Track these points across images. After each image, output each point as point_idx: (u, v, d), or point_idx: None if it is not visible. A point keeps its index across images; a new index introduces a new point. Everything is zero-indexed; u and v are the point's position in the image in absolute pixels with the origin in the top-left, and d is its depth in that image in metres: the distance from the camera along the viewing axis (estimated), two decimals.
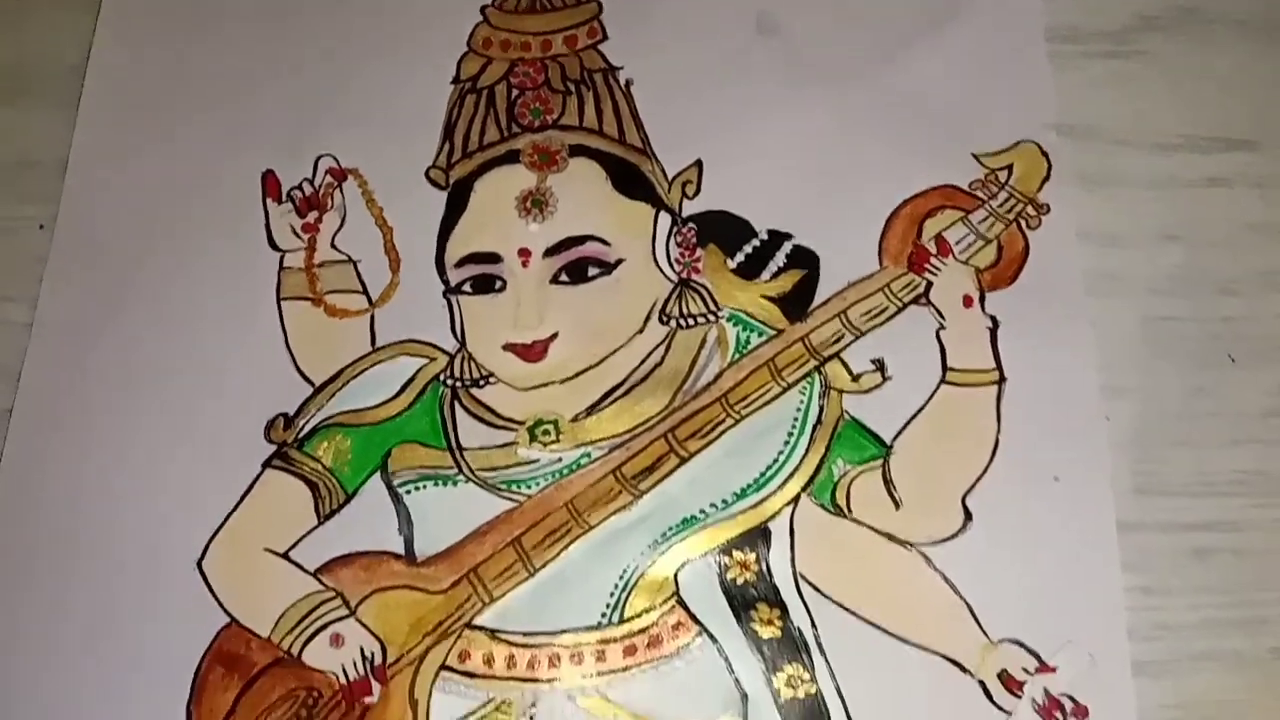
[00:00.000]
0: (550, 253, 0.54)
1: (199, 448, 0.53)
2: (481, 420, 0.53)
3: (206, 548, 0.51)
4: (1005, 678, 0.49)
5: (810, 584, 0.51)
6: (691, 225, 0.55)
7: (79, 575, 0.51)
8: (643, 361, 0.54)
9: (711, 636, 0.50)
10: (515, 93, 0.57)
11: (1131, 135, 0.58)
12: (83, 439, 0.53)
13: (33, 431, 0.53)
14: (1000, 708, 0.49)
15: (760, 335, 0.54)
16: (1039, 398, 0.53)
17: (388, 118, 0.58)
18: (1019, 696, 0.49)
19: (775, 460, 0.52)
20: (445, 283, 0.55)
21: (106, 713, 0.49)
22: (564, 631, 0.50)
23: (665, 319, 0.54)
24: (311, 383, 0.54)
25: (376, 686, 0.49)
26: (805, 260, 0.55)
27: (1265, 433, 0.54)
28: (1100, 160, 0.57)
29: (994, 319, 0.54)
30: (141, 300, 0.55)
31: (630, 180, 0.56)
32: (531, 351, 0.54)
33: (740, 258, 0.55)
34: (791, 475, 0.52)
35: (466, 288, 0.55)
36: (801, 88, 0.58)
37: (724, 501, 0.52)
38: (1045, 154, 0.56)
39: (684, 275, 0.55)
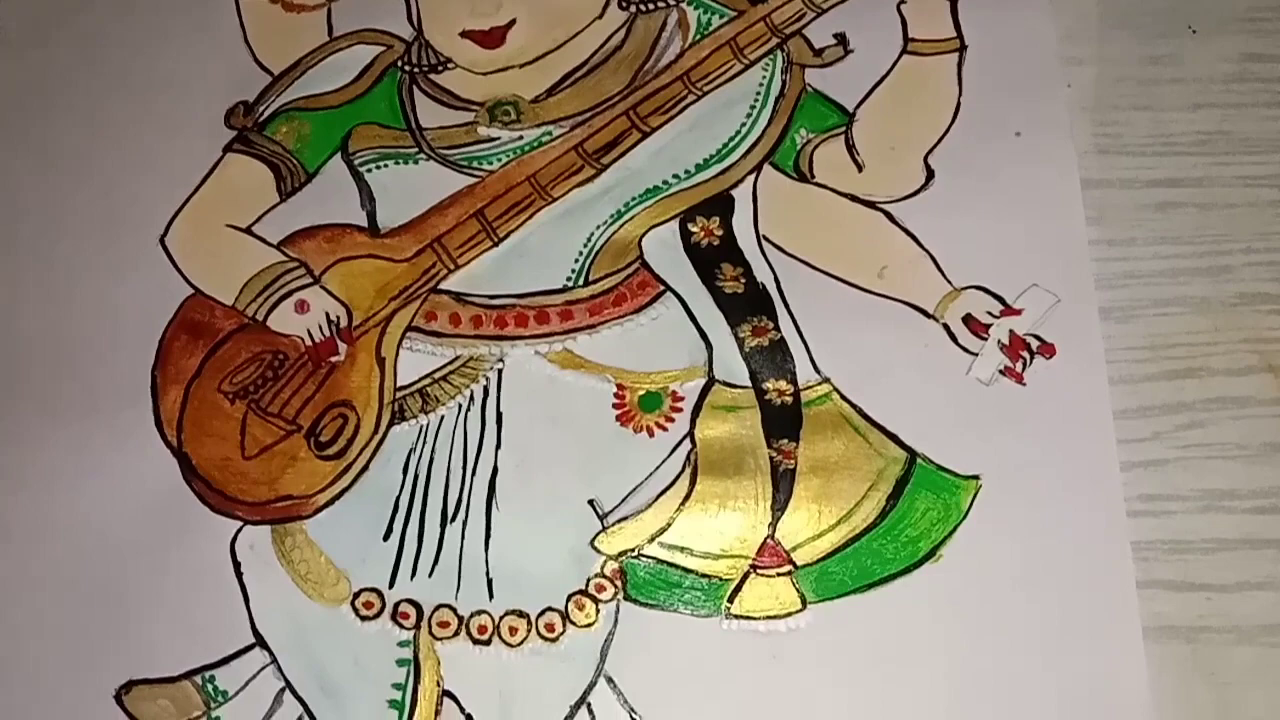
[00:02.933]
0: None
1: (161, 136, 0.53)
2: (440, 102, 0.53)
3: (169, 225, 0.51)
4: (970, 321, 0.49)
5: (773, 244, 0.51)
6: None
7: (43, 245, 0.51)
8: (603, 45, 0.54)
9: (676, 295, 0.50)
10: None
11: None
12: (50, 125, 0.53)
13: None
14: (965, 349, 0.49)
15: (721, 17, 0.54)
16: (999, 63, 0.53)
17: None
18: (984, 339, 0.49)
19: (738, 132, 0.52)
20: None
21: (74, 385, 0.49)
22: (530, 294, 0.50)
23: (625, 4, 0.54)
24: (270, 73, 0.54)
25: (343, 347, 0.49)
26: None
27: (1227, 97, 0.54)
28: None
29: None
30: (100, 4, 0.55)
31: None
32: (489, 38, 0.53)
33: None
34: (754, 145, 0.52)
35: None
36: None
37: (686, 172, 0.51)
38: None
39: None
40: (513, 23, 0.53)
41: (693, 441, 0.48)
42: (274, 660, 0.45)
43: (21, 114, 0.53)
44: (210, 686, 0.45)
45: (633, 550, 0.46)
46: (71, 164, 0.52)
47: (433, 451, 0.48)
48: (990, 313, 0.49)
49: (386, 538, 0.47)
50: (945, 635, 0.45)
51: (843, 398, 0.48)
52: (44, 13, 0.55)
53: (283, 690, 0.45)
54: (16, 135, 0.53)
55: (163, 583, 0.46)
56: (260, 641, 0.45)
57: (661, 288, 0.50)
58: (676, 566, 0.46)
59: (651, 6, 0.54)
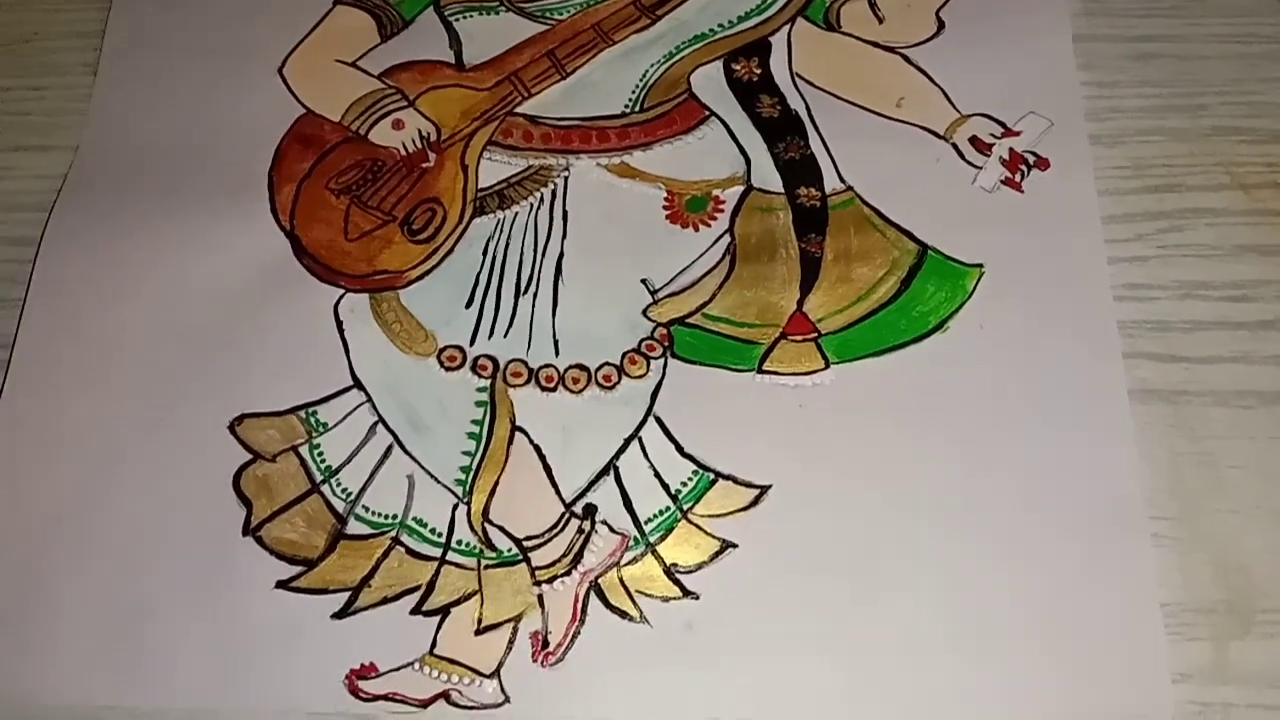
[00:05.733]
0: None
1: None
2: None
3: (286, 59, 0.60)
4: (975, 141, 0.56)
5: (805, 80, 0.58)
6: None
7: (178, 67, 0.60)
8: None
9: (720, 119, 0.58)
10: None
11: None
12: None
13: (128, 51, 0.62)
14: (971, 164, 0.56)
15: None
16: None
17: None
18: (988, 155, 0.56)
19: None
20: None
21: (203, 179, 0.57)
22: (593, 118, 0.58)
23: None
24: None
25: (432, 156, 0.57)
26: None
27: None
28: None
29: None
30: None
31: None
32: None
33: None
34: (789, 2, 0.60)
35: None
36: None
37: (730, 23, 0.60)
38: None
39: None
40: None
41: (733, 235, 0.55)
42: (369, 399, 0.52)
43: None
44: (312, 419, 0.52)
45: (679, 319, 0.53)
46: (206, 6, 0.62)
47: (508, 239, 0.55)
48: (993, 134, 0.56)
49: (468, 305, 0.54)
50: (951, 394, 0.51)
51: (864, 202, 0.55)
52: None
53: (376, 424, 0.52)
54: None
55: (274, 336, 0.53)
56: (358, 384, 0.52)
57: (707, 114, 0.58)
58: (717, 333, 0.53)
59: None
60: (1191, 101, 0.58)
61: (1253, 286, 0.54)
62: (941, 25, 0.59)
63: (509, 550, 0.49)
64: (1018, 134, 0.56)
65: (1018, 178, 0.55)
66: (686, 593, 0.48)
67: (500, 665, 0.48)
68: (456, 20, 0.61)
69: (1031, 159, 0.56)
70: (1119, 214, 0.55)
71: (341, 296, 0.54)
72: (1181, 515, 0.49)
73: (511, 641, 0.48)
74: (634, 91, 0.58)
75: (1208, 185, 0.56)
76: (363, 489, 0.51)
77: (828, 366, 0.52)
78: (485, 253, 0.55)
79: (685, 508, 0.50)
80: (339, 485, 0.51)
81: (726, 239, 0.55)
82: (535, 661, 0.48)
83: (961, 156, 0.56)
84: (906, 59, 0.58)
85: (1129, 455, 0.50)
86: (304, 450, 0.51)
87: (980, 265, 0.53)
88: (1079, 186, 0.55)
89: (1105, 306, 0.53)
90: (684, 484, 0.50)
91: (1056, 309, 0.53)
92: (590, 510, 0.50)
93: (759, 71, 0.58)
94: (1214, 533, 0.49)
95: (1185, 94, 0.58)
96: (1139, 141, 0.57)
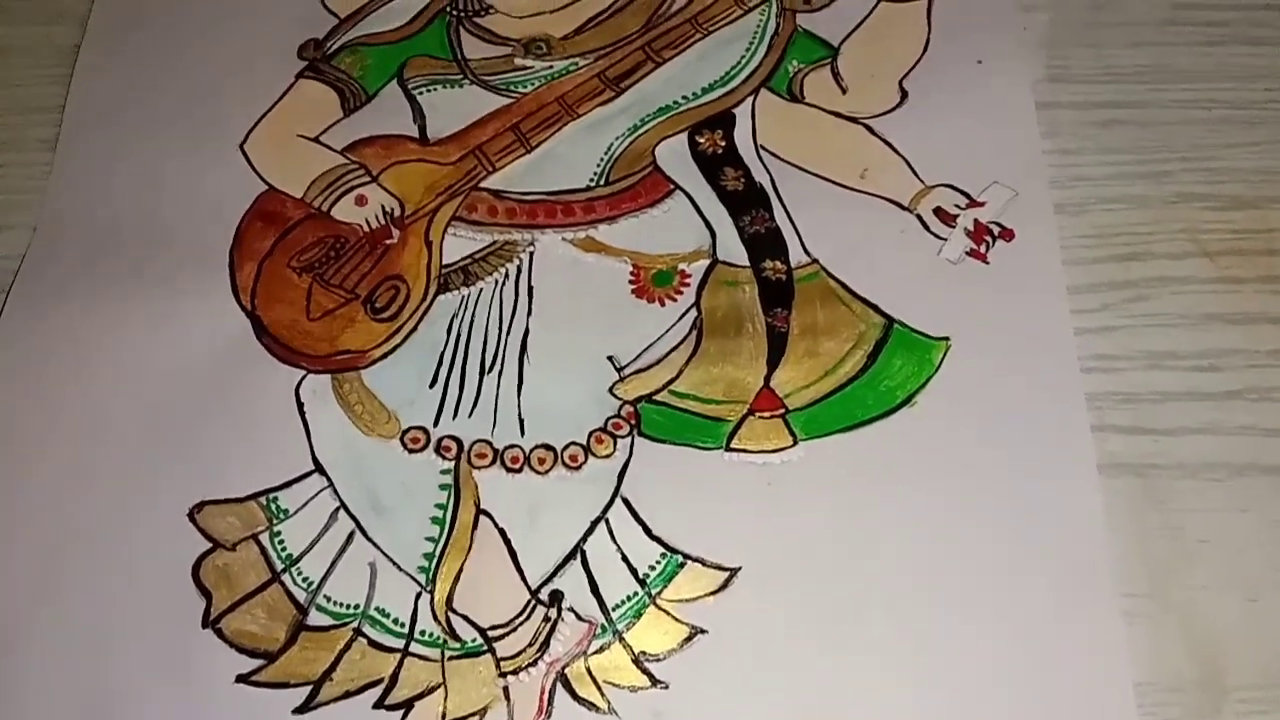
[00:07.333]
0: None
1: (243, 64, 0.61)
2: (483, 39, 0.62)
3: (248, 134, 0.59)
4: (939, 212, 0.56)
5: (769, 152, 0.58)
6: None
7: (141, 142, 0.59)
8: None
9: (685, 192, 0.57)
10: None
11: None
12: (151, 48, 0.63)
13: (104, 52, 0.63)
14: (936, 235, 0.56)
15: None
16: (963, 9, 0.61)
17: None
18: (952, 227, 0.56)
19: (738, 63, 0.60)
20: None
21: (162, 256, 0.56)
22: (558, 192, 0.58)
23: None
24: (337, 16, 0.63)
25: (396, 233, 0.57)
26: None
27: (1163, 38, 0.62)
28: None
29: None
30: None
31: None
32: None
33: None
34: (753, 73, 0.60)
35: None
36: None
37: (694, 94, 0.60)
38: None
39: None
40: None
41: (699, 309, 0.55)
42: (331, 484, 0.51)
43: (127, 38, 0.63)
44: (273, 505, 0.51)
45: (646, 396, 0.53)
46: (168, 81, 0.61)
47: (473, 316, 0.55)
48: (957, 205, 0.56)
49: (432, 385, 0.53)
50: (920, 468, 0.51)
51: (829, 275, 0.55)
52: None
53: (337, 509, 0.51)
54: (122, 52, 0.62)
55: (235, 419, 0.53)
56: (319, 468, 0.52)
57: (672, 186, 0.58)
58: (684, 410, 0.53)
59: None
60: (1155, 169, 0.58)
61: (1219, 356, 0.54)
62: (904, 95, 0.59)
63: (473, 640, 0.49)
64: (982, 204, 0.56)
65: (983, 249, 0.55)
66: (655, 681, 0.48)
67: None
68: (420, 93, 0.60)
69: (996, 229, 0.56)
70: (1085, 284, 0.55)
71: (303, 378, 0.53)
72: (1152, 591, 0.49)
73: None
74: (599, 164, 0.58)
75: (1173, 253, 0.56)
76: (324, 578, 0.50)
77: (796, 443, 0.52)
78: (449, 330, 0.55)
79: (654, 592, 0.49)
80: (300, 574, 0.50)
81: (693, 314, 0.55)
82: None
83: (926, 228, 0.56)
84: (870, 129, 0.58)
85: (1098, 530, 0.49)
86: (264, 538, 0.50)
87: (947, 338, 0.53)
88: (1044, 257, 0.55)
89: (1072, 379, 0.52)
90: (652, 567, 0.49)
91: (1024, 382, 0.52)
92: (557, 597, 0.49)
93: (723, 144, 0.58)
94: (1185, 609, 0.49)
95: (1149, 160, 0.59)
96: (1103, 209, 0.57)
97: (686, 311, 0.55)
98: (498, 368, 0.54)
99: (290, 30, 0.62)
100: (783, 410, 0.52)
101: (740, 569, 0.49)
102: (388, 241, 0.57)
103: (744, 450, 0.52)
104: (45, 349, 0.55)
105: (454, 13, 0.62)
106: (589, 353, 0.54)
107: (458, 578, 0.49)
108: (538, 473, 0.51)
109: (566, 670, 0.48)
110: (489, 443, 0.52)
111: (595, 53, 0.61)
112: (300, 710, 0.47)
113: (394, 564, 0.50)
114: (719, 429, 0.52)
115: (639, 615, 0.49)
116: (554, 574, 0.49)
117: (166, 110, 0.60)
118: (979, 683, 0.47)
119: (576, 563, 0.50)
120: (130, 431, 0.53)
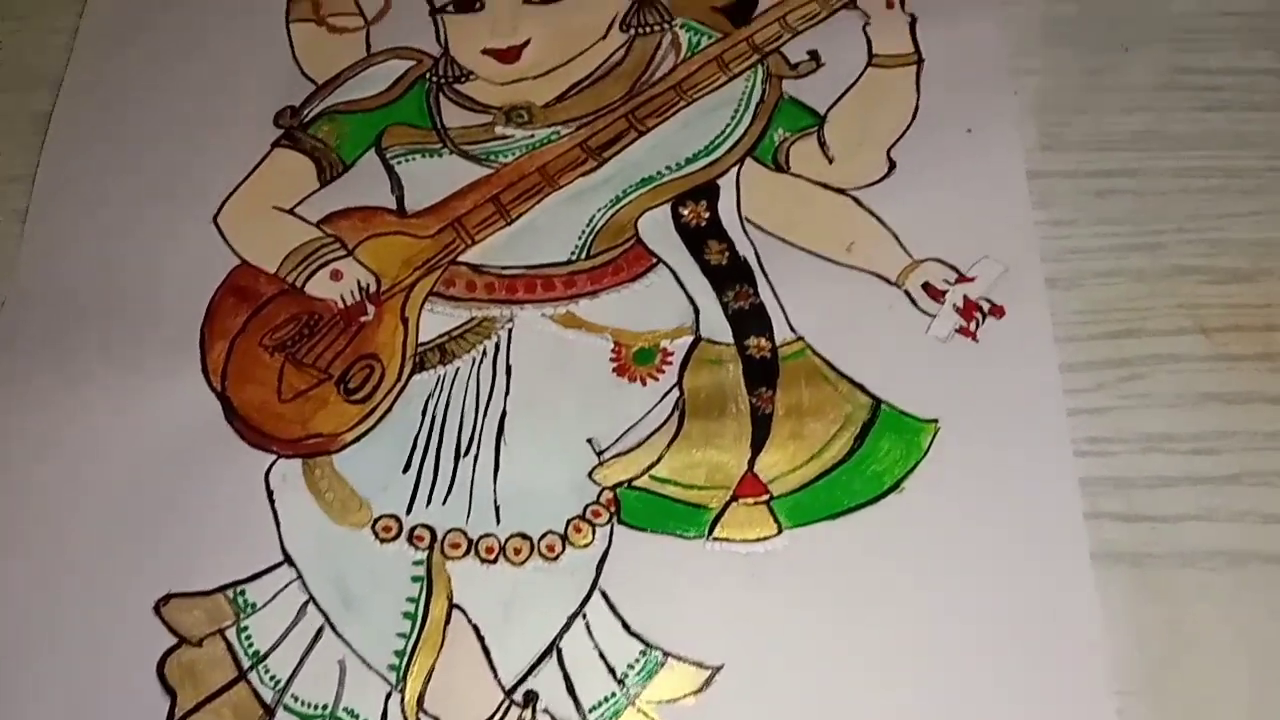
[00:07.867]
0: None
1: (217, 131, 0.60)
2: (463, 107, 0.60)
3: (221, 206, 0.58)
4: (928, 288, 0.55)
5: (754, 224, 0.57)
6: None
7: (109, 214, 0.58)
8: (606, 60, 0.61)
9: (668, 266, 0.56)
10: None
11: None
12: (124, 117, 0.61)
13: (76, 120, 0.62)
14: (924, 311, 0.54)
15: (710, 38, 0.61)
16: (953, 74, 0.60)
17: None
18: (941, 303, 0.54)
19: (723, 131, 0.59)
20: (431, 4, 0.63)
21: (130, 333, 0.55)
22: (538, 266, 0.56)
23: (625, 27, 0.62)
24: (314, 82, 0.61)
25: (371, 309, 0.55)
26: None
27: (1157, 103, 0.60)
28: None
29: (913, 15, 0.61)
30: (170, 20, 0.64)
31: None
32: (507, 55, 0.61)
33: None
34: (738, 143, 0.59)
35: (450, 8, 0.63)
36: None
37: (678, 164, 0.58)
38: None
39: None
40: (528, 42, 0.61)
41: (681, 389, 0.53)
42: (300, 576, 0.50)
43: (101, 105, 0.62)
44: (240, 599, 0.49)
45: (626, 481, 0.51)
46: (139, 150, 0.60)
47: (449, 397, 0.53)
48: (946, 280, 0.55)
49: (405, 470, 0.52)
50: (908, 557, 0.49)
51: (815, 353, 0.54)
52: (123, 23, 0.64)
53: (307, 603, 0.49)
54: (94, 120, 0.61)
55: (201, 507, 0.51)
56: (288, 559, 0.50)
57: (655, 260, 0.56)
58: (665, 496, 0.51)
59: (648, 29, 0.62)
60: (1150, 240, 0.57)
61: (1217, 438, 0.52)
62: (893, 165, 0.58)
63: None
64: (972, 280, 0.55)
65: (972, 326, 0.54)
66: None
67: None
68: (398, 163, 0.59)
69: (986, 306, 0.54)
70: (1078, 362, 0.54)
71: (273, 463, 0.52)
72: (1147, 687, 0.47)
73: None
74: (580, 237, 0.57)
75: (1169, 329, 0.55)
76: (292, 676, 0.48)
77: (780, 532, 0.50)
78: (425, 412, 0.53)
79: (633, 693, 0.47)
80: (267, 672, 0.48)
81: (675, 394, 0.53)
82: None
83: (914, 303, 0.55)
84: (857, 201, 0.57)
85: (1092, 623, 0.48)
86: (231, 634, 0.49)
87: (935, 420, 0.52)
88: (1036, 334, 0.54)
89: (1065, 464, 0.51)
90: (631, 666, 0.48)
91: (1015, 466, 0.51)
92: (531, 697, 0.47)
93: (707, 215, 0.57)
94: (1182, 704, 0.47)
95: (1144, 232, 0.57)
96: (1097, 284, 0.56)
97: (668, 391, 0.53)
98: (473, 452, 0.52)
99: (266, 97, 0.61)
100: (767, 496, 0.51)
101: (722, 667, 0.48)
102: (362, 319, 0.55)
103: (727, 540, 0.50)
104: (11, 428, 0.53)
105: (434, 79, 0.61)
106: (568, 435, 0.52)
107: (429, 676, 0.48)
108: (513, 564, 0.50)
109: None
110: (463, 531, 0.50)
111: (577, 121, 0.60)
112: None
113: (364, 662, 0.48)
114: (701, 516, 0.50)
115: (617, 717, 0.47)
116: (528, 673, 0.48)
117: (139, 181, 0.59)
118: None
119: (552, 660, 0.48)
120: (94, 517, 0.51)
